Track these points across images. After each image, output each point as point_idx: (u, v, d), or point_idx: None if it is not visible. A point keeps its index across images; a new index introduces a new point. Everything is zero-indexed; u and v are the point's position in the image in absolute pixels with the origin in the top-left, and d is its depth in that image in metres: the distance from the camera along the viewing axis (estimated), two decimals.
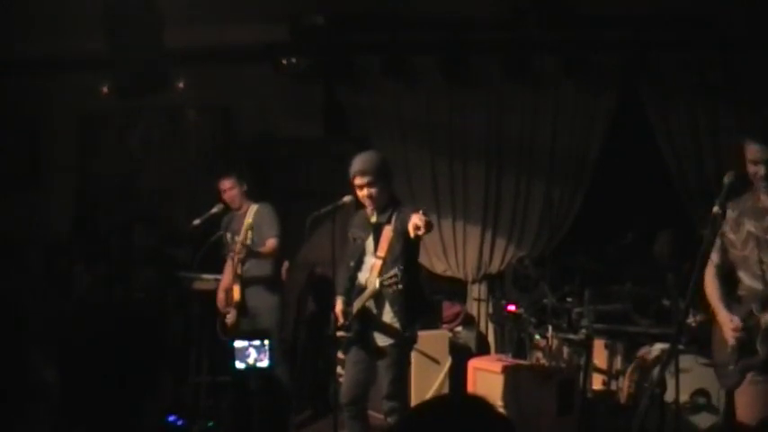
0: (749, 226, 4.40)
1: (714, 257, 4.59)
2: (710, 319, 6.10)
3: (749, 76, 7.38)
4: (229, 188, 7.00)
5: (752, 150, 4.34)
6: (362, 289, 5.38)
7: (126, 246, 8.34)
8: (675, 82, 7.60)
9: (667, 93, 7.68)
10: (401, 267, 5.07)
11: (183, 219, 7.33)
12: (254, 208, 7.01)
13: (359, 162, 5.35)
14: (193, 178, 8.56)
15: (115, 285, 8.03)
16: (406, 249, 5.27)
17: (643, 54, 7.48)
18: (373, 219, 5.42)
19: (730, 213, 4.51)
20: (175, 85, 7.83)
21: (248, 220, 6.92)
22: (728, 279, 4.59)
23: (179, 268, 7.46)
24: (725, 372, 4.49)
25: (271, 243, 6.85)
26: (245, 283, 6.88)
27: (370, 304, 5.34)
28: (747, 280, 4.46)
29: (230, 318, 6.91)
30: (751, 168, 4.38)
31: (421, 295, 5.61)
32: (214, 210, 6.94)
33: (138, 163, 8.85)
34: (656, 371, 6.13)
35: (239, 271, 6.85)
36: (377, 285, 5.13)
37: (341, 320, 5.39)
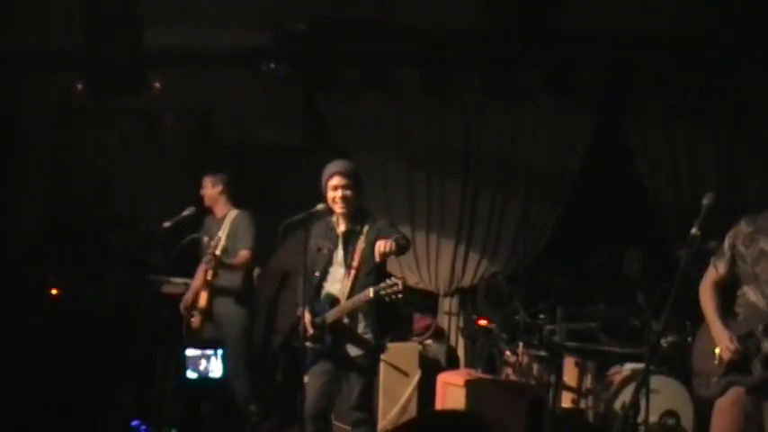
0: (764, 244, 4.24)
1: (720, 268, 4.42)
2: (688, 333, 6.12)
3: (728, 98, 7.41)
4: (205, 187, 6.94)
5: None
6: (333, 300, 5.28)
7: (99, 248, 8.22)
8: (655, 102, 7.63)
9: (647, 113, 7.70)
10: (402, 276, 5.01)
11: (157, 222, 7.24)
12: (233, 214, 6.93)
13: (339, 164, 5.31)
14: (169, 181, 8.47)
15: (85, 289, 7.90)
16: (380, 261, 5.21)
17: (624, 73, 7.51)
18: (342, 228, 5.32)
19: (744, 228, 4.36)
20: (152, 87, 7.75)
21: (225, 227, 6.84)
22: (726, 293, 4.42)
23: (150, 271, 7.36)
24: (706, 382, 4.35)
25: (243, 255, 6.76)
26: (214, 291, 6.79)
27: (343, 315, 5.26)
28: (753, 297, 4.29)
29: (195, 321, 6.82)
30: None
31: (393, 307, 5.54)
32: (185, 212, 6.82)
33: (113, 164, 8.75)
34: (627, 391, 6.13)
35: (209, 278, 6.76)
36: (371, 294, 5.03)
37: (310, 331, 5.29)
